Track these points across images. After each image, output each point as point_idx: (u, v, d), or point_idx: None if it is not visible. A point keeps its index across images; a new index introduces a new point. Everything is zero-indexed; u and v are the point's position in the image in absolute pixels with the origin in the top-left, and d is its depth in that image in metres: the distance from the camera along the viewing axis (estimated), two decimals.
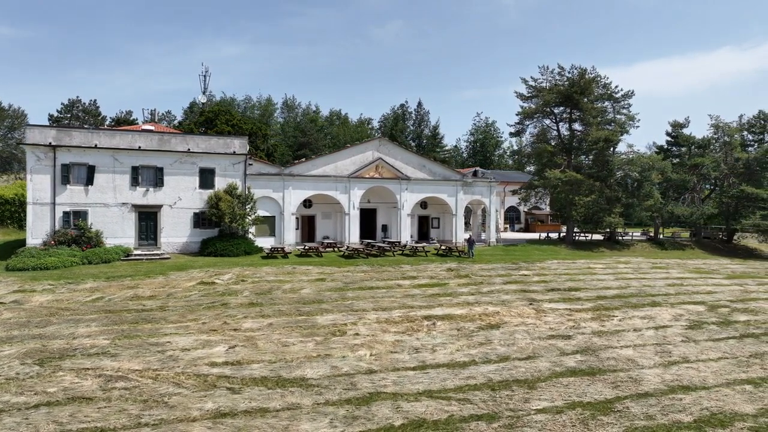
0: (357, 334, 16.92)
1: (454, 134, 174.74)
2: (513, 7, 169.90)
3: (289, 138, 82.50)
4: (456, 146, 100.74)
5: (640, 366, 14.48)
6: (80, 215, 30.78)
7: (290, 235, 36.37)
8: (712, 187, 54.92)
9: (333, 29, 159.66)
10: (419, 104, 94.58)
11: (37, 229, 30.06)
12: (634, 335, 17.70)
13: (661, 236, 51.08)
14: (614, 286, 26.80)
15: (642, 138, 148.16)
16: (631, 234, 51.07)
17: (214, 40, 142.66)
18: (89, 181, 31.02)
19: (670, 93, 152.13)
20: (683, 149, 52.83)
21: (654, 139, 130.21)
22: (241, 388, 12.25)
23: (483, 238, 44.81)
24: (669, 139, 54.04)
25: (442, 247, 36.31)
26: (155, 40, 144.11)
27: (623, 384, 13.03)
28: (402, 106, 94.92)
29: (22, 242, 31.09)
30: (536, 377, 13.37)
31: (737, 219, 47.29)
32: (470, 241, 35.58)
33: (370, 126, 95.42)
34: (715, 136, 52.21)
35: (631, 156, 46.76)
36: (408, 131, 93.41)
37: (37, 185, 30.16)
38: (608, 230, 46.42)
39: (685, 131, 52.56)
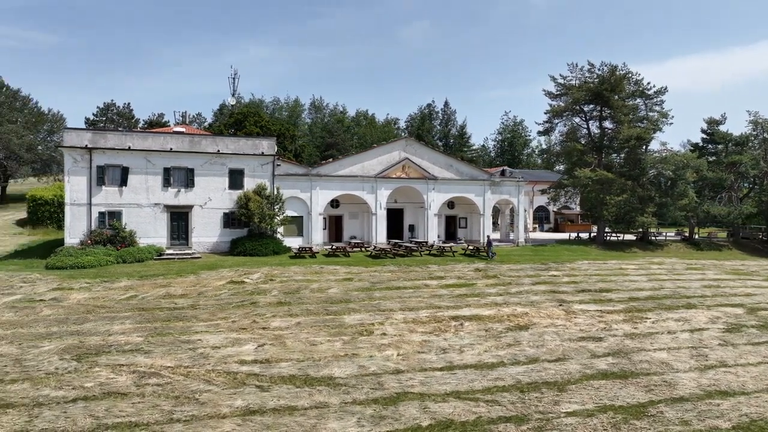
0: (384, 333, 16.94)
1: (482, 134, 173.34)
2: (541, 5, 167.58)
3: (317, 138, 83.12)
4: (483, 146, 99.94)
5: (675, 369, 14.11)
6: (115, 215, 31.62)
7: (318, 235, 36.63)
8: (750, 186, 53.05)
9: (359, 30, 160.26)
10: (446, 104, 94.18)
11: (75, 229, 31.01)
12: (668, 338, 17.25)
13: (697, 236, 49.58)
14: (647, 287, 26.16)
15: (676, 136, 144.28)
16: (664, 234, 49.74)
17: (242, 42, 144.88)
18: (123, 182, 31.84)
19: (705, 89, 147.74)
20: (719, 147, 51.18)
21: (688, 137, 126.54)
22: (269, 386, 12.40)
23: (511, 238, 44.30)
24: (704, 136, 52.41)
25: (470, 247, 36.03)
26: (186, 43, 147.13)
27: (657, 388, 12.72)
28: (429, 105, 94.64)
29: (61, 242, 32.11)
30: (566, 379, 13.16)
31: None
32: (489, 241, 35.19)
33: (396, 126, 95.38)
34: (754, 133, 50.39)
35: (664, 154, 45.50)
36: (435, 131, 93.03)
37: (74, 186, 31.11)
38: (641, 230, 45.31)
39: (722, 128, 50.91)
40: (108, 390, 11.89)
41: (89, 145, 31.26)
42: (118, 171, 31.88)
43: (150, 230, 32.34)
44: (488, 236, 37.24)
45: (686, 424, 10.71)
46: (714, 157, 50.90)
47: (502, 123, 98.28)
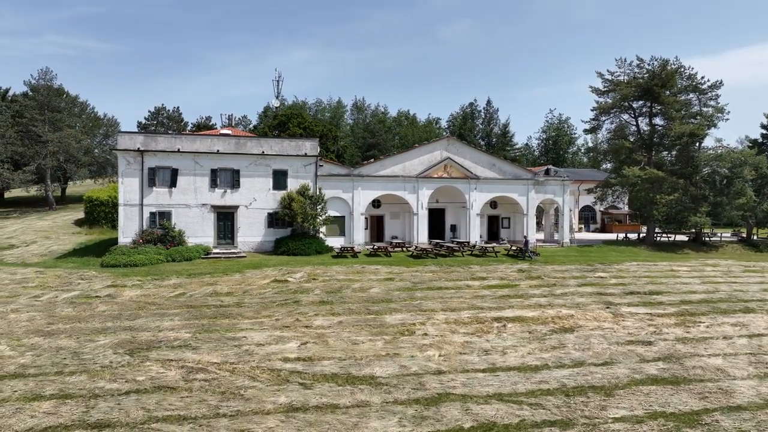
0: (425, 334, 16.88)
1: (525, 132, 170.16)
2: (585, 1, 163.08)
3: (359, 139, 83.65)
4: (527, 144, 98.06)
5: (731, 377, 13.46)
6: (165, 216, 32.79)
7: (359, 235, 36.87)
8: None
9: (400, 30, 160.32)
10: (488, 102, 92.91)
11: (128, 229, 32.33)
12: (723, 343, 16.47)
13: (755, 237, 47.12)
14: (700, 290, 25.04)
15: (734, 132, 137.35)
16: (719, 235, 47.48)
17: (285, 46, 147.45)
18: (173, 183, 32.97)
19: (766, 82, 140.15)
20: None
21: (747, 133, 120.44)
22: (312, 383, 12.57)
23: (556, 238, 43.32)
24: (764, 131, 49.84)
25: (513, 248, 35.44)
26: (231, 48, 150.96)
27: (712, 395, 12.17)
28: (471, 104, 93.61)
29: (115, 241, 33.53)
30: (614, 384, 12.77)
31: None
32: (526, 241, 34.46)
33: (438, 126, 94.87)
34: None
35: (719, 151, 43.50)
36: (477, 130, 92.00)
37: (127, 188, 32.44)
38: (693, 231, 43.41)
39: None
40: (158, 384, 12.34)
41: (141, 148, 32.52)
42: (168, 172, 33.03)
43: (198, 230, 33.35)
44: (525, 236, 36.55)
45: None
46: None
47: (547, 121, 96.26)
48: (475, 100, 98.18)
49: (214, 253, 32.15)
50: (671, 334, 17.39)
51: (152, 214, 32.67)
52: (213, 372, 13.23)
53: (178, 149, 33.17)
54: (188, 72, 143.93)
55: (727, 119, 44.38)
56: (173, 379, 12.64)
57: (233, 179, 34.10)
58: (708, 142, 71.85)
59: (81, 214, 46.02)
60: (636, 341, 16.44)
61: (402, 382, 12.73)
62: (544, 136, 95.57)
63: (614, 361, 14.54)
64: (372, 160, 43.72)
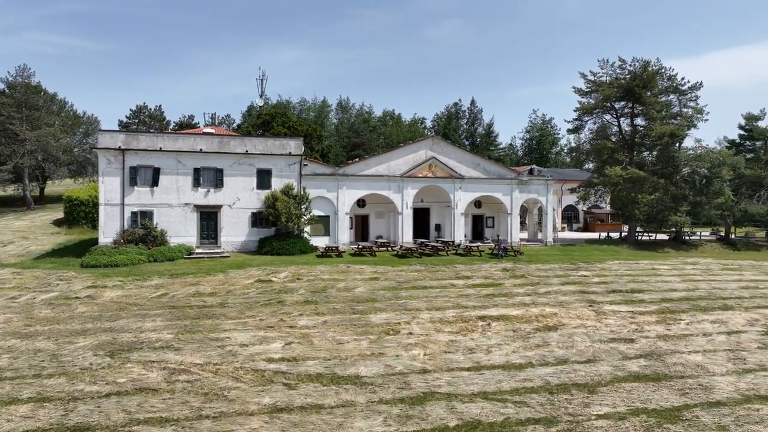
0: (410, 333, 16.87)
1: (510, 132, 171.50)
2: (572, 1, 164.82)
3: (343, 139, 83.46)
4: (511, 144, 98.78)
5: (711, 373, 13.66)
6: (146, 215, 32.35)
7: (344, 235, 36.77)
8: None
9: (387, 30, 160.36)
10: (472, 102, 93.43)
11: (108, 229, 31.83)
12: (703, 340, 16.73)
13: (733, 236, 48.03)
14: (681, 288, 25.43)
15: (713, 132, 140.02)
16: (699, 234, 48.31)
17: (270, 45, 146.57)
18: (155, 182, 32.55)
19: (744, 84, 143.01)
20: (758, 143, 49.49)
21: (725, 134, 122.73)
22: (297, 384, 12.48)
23: (539, 237, 43.69)
24: (742, 132, 50.69)
25: (504, 247, 35.59)
26: (215, 46, 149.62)
27: (692, 391, 12.34)
28: (455, 104, 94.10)
29: (95, 241, 33.00)
30: (597, 381, 12.88)
31: None
32: (499, 240, 34.68)
33: (423, 125, 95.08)
34: None
35: (699, 151, 44.25)
36: (461, 130, 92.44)
37: (108, 187, 31.94)
38: (674, 230, 44.10)
39: (761, 124, 49.16)
40: (140, 386, 12.14)
41: (122, 147, 32.05)
42: (150, 172, 32.60)
43: (180, 230, 32.97)
44: (498, 235, 36.75)
45: (723, 430, 10.35)
46: (752, 154, 49.26)
47: (530, 121, 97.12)
48: (460, 100, 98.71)
49: (197, 253, 31.81)
50: (652, 331, 17.62)
51: (134, 213, 32.22)
52: (196, 373, 13.06)
53: (160, 148, 32.76)
54: (171, 70, 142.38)
55: (707, 120, 45.24)
56: (155, 381, 12.45)
57: (216, 178, 33.78)
58: (688, 142, 72.77)
59: (60, 214, 45.24)
60: (618, 339, 16.62)
61: (387, 381, 12.69)
62: (528, 136, 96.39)
63: (597, 358, 14.68)
64: (357, 159, 43.66)
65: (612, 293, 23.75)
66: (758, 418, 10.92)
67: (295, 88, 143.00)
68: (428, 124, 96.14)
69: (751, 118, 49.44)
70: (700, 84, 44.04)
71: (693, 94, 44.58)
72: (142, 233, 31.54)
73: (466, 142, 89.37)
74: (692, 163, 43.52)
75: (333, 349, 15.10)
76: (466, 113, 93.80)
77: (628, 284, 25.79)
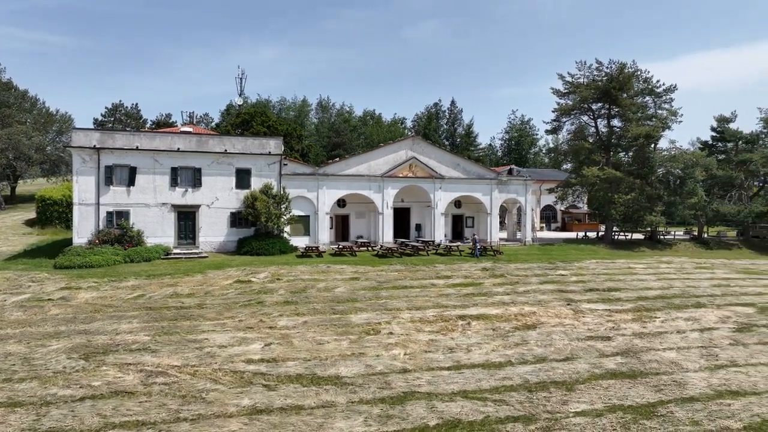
0: (391, 333, 16.89)
1: (489, 133, 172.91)
2: (551, 4, 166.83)
3: (323, 138, 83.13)
4: (490, 145, 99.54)
5: (685, 369, 13.96)
6: (122, 215, 31.75)
7: (324, 235, 36.62)
8: (761, 184, 52.48)
9: (367, 30, 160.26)
10: (452, 103, 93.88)
11: (83, 229, 31.16)
12: (677, 337, 17.09)
13: (706, 235, 49.17)
14: (656, 286, 25.95)
15: (687, 134, 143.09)
16: (673, 233, 49.35)
17: (250, 43, 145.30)
18: (131, 182, 31.97)
19: (716, 87, 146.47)
20: (729, 145, 50.72)
21: (698, 135, 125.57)
22: (276, 385, 12.38)
23: (518, 237, 44.11)
24: (714, 134, 51.91)
25: (478, 247, 35.84)
26: (194, 44, 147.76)
27: (667, 387, 12.59)
28: (435, 105, 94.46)
29: (69, 241, 32.27)
30: (575, 379, 13.06)
31: None
32: (475, 240, 34.98)
33: (403, 126, 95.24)
34: (765, 131, 49.97)
35: (673, 152, 45.16)
36: (442, 130, 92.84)
37: (83, 186, 31.26)
38: (649, 229, 44.97)
39: (732, 126, 50.43)
40: (115, 389, 11.92)
41: (97, 145, 31.41)
42: (126, 171, 32.01)
43: (157, 230, 32.45)
44: (474, 235, 37.04)
45: (696, 425, 10.58)
46: (724, 156, 50.43)
47: (509, 122, 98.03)
48: (440, 101, 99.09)
49: (175, 254, 31.35)
50: (629, 329, 17.93)
51: (109, 213, 31.59)
52: (173, 375, 12.88)
53: (137, 147, 32.19)
54: (148, 68, 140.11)
55: (681, 122, 46.19)
56: (131, 384, 12.23)
57: (194, 178, 33.33)
58: (663, 143, 74.57)
59: (32, 214, 44.17)
60: (595, 337, 16.88)
61: (367, 381, 12.68)
62: (507, 137, 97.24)
63: (575, 356, 14.88)
64: (337, 159, 43.51)
65: (589, 292, 24.11)
66: (729, 412, 11.19)
67: (274, 87, 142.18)
68: (409, 124, 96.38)
69: (722, 120, 50.65)
70: (675, 87, 45.01)
71: (668, 97, 45.55)
72: (118, 233, 30.95)
73: (447, 143, 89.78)
74: (667, 164, 44.39)
75: (313, 350, 15.03)
76: (446, 113, 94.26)
77: (605, 283, 26.21)
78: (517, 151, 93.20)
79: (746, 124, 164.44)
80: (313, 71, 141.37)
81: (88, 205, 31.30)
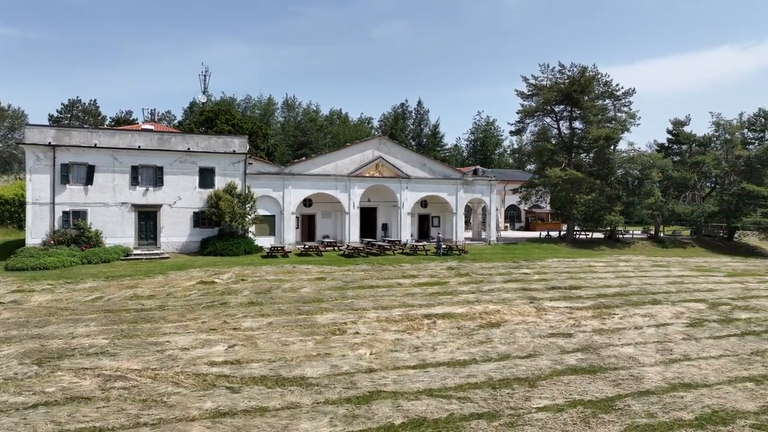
0: (357, 333, 16.87)
1: (456, 133, 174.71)
2: (517, 7, 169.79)
3: (290, 137, 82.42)
4: (456, 145, 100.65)
5: (641, 364, 14.42)
6: (80, 215, 30.72)
7: (290, 234, 36.30)
8: (713, 185, 54.74)
9: (335, 29, 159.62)
10: (419, 103, 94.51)
11: (37, 229, 30.00)
12: (635, 333, 17.64)
13: (662, 234, 50.96)
14: (615, 284, 26.72)
15: (645, 136, 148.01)
16: (631, 232, 50.97)
17: (216, 40, 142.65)
18: (89, 180, 30.96)
19: (672, 91, 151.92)
20: (684, 147, 52.68)
21: (656, 138, 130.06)
22: (240, 387, 12.20)
23: (483, 236, 44.74)
24: (670, 137, 53.87)
25: (443, 246, 36.22)
26: (158, 40, 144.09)
27: (624, 382, 12.97)
28: (402, 105, 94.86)
29: (22, 242, 31.04)
30: (537, 375, 13.31)
31: (738, 217, 47.12)
32: (438, 239, 35.42)
33: (370, 125, 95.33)
34: (716, 134, 52.12)
35: (631, 154, 46.65)
36: (408, 130, 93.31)
37: (37, 185, 30.10)
38: (609, 229, 46.31)
39: (686, 129, 52.42)
40: (71, 395, 11.51)
41: (53, 143, 30.29)
42: (84, 169, 30.99)
43: (117, 230, 31.54)
44: (439, 235, 37.48)
45: (652, 417, 10.94)
46: (679, 158, 52.34)
47: (475, 123, 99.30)
48: (407, 101, 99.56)
49: (135, 255, 30.53)
50: (589, 326, 18.41)
51: (65, 213, 30.52)
52: (133, 379, 12.53)
53: (95, 144, 31.20)
54: (109, 64, 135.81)
55: (639, 124, 48.14)
56: (88, 389, 11.84)
57: (156, 177, 32.53)
58: (622, 145, 76.96)
59: None
60: (557, 334, 17.26)
61: (333, 381, 12.62)
62: (473, 138, 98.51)
63: (537, 353, 15.18)
64: (303, 158, 43.19)
65: (551, 290, 24.65)
66: (682, 404, 11.61)
67: (240, 85, 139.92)
68: (375, 123, 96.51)
69: (678, 124, 52.60)
70: (633, 90, 46.54)
71: (627, 100, 47.05)
72: (75, 234, 29.92)
73: (413, 143, 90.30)
74: (625, 165, 45.83)
75: (278, 351, 14.87)
76: (413, 114, 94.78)
77: (566, 281, 26.84)
78: (482, 152, 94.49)
79: (700, 127, 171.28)
80: (280, 69, 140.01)
81: (43, 204, 30.16)
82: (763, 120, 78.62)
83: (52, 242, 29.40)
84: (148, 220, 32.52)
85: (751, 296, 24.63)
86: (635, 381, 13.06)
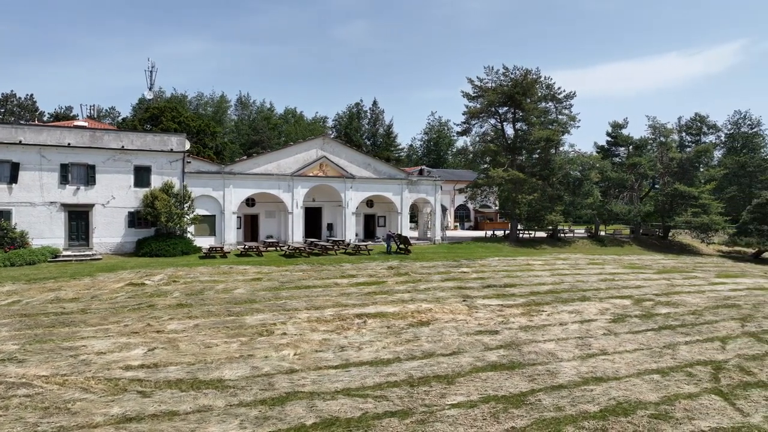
0: (285, 333, 16.67)
1: (411, 133, 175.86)
2: (476, 10, 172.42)
3: (243, 136, 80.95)
4: (411, 145, 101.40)
5: (559, 359, 14.80)
6: (3, 215, 29.16)
7: (231, 235, 35.60)
8: (649, 186, 57.11)
9: (295, 27, 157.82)
10: (374, 103, 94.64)
11: None
12: (559, 329, 18.10)
13: (603, 233, 52.78)
14: (549, 282, 27.38)
15: (591, 139, 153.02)
16: (573, 231, 52.55)
17: (171, 36, 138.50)
18: (13, 179, 29.44)
19: (622, 95, 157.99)
20: (622, 149, 54.72)
21: (598, 140, 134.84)
22: (152, 391, 11.84)
23: (429, 236, 45.17)
24: (609, 139, 55.84)
25: (396, 242, 36.30)
26: (110, 33, 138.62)
27: (539, 377, 13.29)
28: (357, 104, 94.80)
29: None
30: (456, 372, 13.47)
31: (672, 216, 49.34)
32: (388, 237, 35.68)
33: (324, 124, 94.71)
34: (652, 137, 54.40)
35: (572, 155, 48.11)
36: (363, 130, 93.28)
37: None
38: (551, 228, 47.61)
39: (625, 132, 54.47)
40: None
41: None
42: (7, 167, 29.45)
43: (45, 230, 30.13)
44: (389, 233, 37.73)
45: (559, 410, 11.26)
46: (617, 159, 54.34)
47: (429, 123, 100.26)
48: (362, 101, 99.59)
49: (65, 256, 29.23)
50: (516, 323, 18.80)
51: None
52: (38, 386, 11.95)
53: (20, 141, 29.71)
54: (52, 57, 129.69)
55: (578, 126, 49.52)
56: None
57: (88, 175, 31.26)
58: (565, 146, 79.10)
59: None
60: (484, 331, 17.53)
61: (251, 383, 12.42)
62: (426, 138, 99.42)
63: (461, 350, 15.37)
64: (245, 157, 42.46)
65: (487, 288, 25.05)
66: (590, 397, 12.01)
67: (195, 82, 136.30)
68: (330, 123, 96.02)
69: (616, 126, 54.59)
70: (574, 93, 47.98)
71: (568, 103, 48.50)
72: None
73: (368, 142, 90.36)
74: (566, 166, 47.22)
75: (199, 353, 14.52)
76: (368, 114, 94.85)
77: (502, 279, 27.36)
78: (435, 152, 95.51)
79: (640, 131, 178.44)
80: (235, 67, 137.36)
81: None
82: (698, 124, 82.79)
83: None
84: (79, 220, 31.20)
85: (673, 292, 25.74)
86: (550, 376, 13.39)
